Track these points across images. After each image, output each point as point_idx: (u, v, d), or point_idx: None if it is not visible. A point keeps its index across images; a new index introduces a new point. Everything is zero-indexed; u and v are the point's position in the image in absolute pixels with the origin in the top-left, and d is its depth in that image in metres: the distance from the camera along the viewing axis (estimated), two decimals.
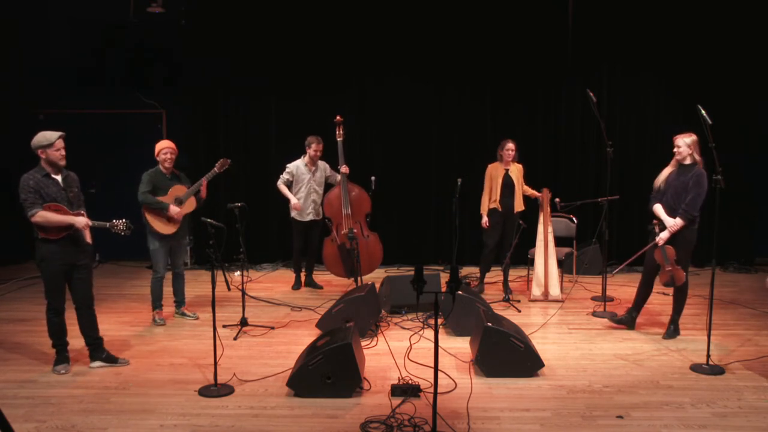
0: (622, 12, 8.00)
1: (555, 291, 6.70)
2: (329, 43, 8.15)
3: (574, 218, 7.44)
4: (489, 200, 6.79)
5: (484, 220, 6.81)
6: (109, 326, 5.60)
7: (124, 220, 4.71)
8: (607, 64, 8.20)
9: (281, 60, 8.20)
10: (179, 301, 6.15)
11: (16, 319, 6.13)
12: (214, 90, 8.33)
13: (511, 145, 6.71)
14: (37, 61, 8.27)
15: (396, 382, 4.38)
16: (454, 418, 3.96)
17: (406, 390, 4.28)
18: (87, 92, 8.45)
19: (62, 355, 4.79)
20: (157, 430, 3.85)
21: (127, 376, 4.68)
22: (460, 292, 5.09)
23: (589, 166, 8.29)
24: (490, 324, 4.65)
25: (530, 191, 6.90)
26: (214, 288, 4.59)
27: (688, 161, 5.27)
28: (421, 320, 5.86)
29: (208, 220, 4.89)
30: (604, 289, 6.48)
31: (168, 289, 6.05)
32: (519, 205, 6.82)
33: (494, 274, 7.41)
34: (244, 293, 5.93)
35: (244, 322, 5.73)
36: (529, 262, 7.11)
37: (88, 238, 4.76)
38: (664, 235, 5.29)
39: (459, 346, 5.20)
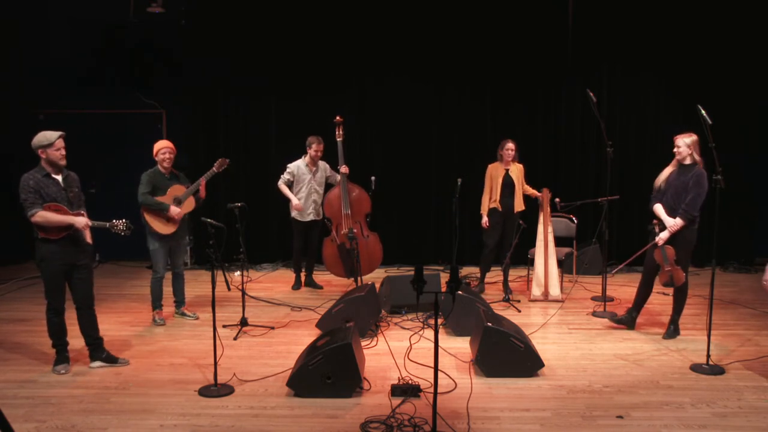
0: (622, 12, 8.00)
1: (555, 291, 6.70)
2: (329, 43, 8.15)
3: (574, 218, 7.44)
4: (489, 200, 6.80)
5: (484, 220, 6.81)
6: (109, 326, 5.60)
7: (124, 220, 4.71)
8: (607, 64, 8.21)
9: (281, 60, 8.20)
10: (179, 301, 6.15)
11: (16, 319, 6.13)
12: (214, 90, 8.33)
13: (510, 145, 6.72)
14: (37, 61, 8.26)
15: (396, 382, 4.38)
16: (454, 418, 3.96)
17: (406, 390, 4.28)
18: (87, 92, 8.45)
19: (62, 355, 4.79)
20: (157, 430, 3.85)
21: (127, 376, 4.68)
22: (460, 292, 5.09)
23: (589, 166, 8.29)
24: (490, 324, 4.65)
25: (531, 191, 6.90)
26: (214, 288, 4.59)
27: (688, 161, 5.27)
28: (421, 320, 5.86)
29: (208, 220, 4.89)
30: (604, 289, 6.48)
31: (168, 289, 6.05)
32: (519, 205, 6.82)
33: (494, 274, 7.41)
34: (244, 293, 5.93)
35: (244, 322, 5.73)
36: (529, 262, 7.11)
37: (89, 238, 4.76)
38: (663, 235, 5.30)
39: (459, 346, 5.20)
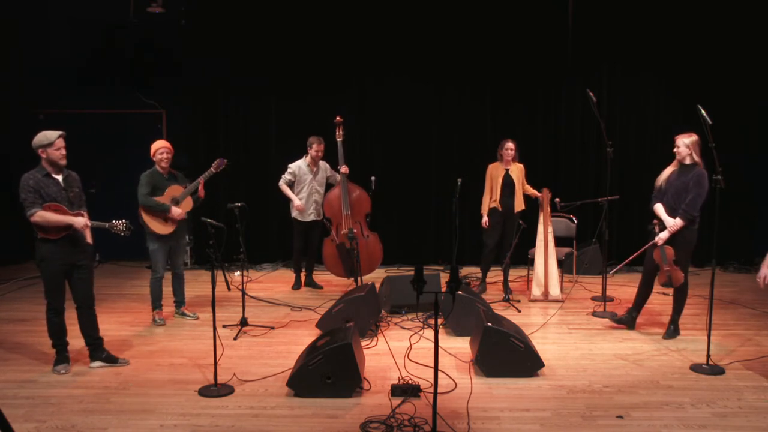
0: (622, 12, 8.00)
1: (555, 291, 6.70)
2: (329, 43, 8.15)
3: (574, 218, 7.44)
4: (489, 200, 6.80)
5: (485, 219, 6.82)
6: (109, 326, 5.60)
7: (123, 220, 4.70)
8: (607, 64, 8.20)
9: (281, 60, 8.20)
10: (179, 301, 6.15)
11: (16, 319, 6.13)
12: (214, 90, 8.34)
13: (510, 145, 6.72)
14: (37, 61, 8.26)
15: (396, 382, 4.38)
16: (454, 418, 3.96)
17: (406, 390, 4.28)
18: (87, 92, 8.45)
19: (62, 355, 4.79)
20: (157, 430, 3.85)
21: (127, 376, 4.68)
22: (460, 292, 5.09)
23: (589, 166, 8.29)
24: (490, 324, 4.65)
25: (531, 191, 6.90)
26: (214, 288, 4.59)
27: (688, 161, 5.27)
28: (421, 320, 5.86)
29: (208, 220, 4.89)
30: (604, 289, 6.48)
31: (168, 289, 6.05)
32: (519, 205, 6.82)
33: (494, 274, 7.41)
34: (244, 293, 5.93)
35: (244, 322, 5.73)
36: (529, 262, 7.11)
37: (89, 238, 4.77)
38: (663, 235, 5.30)
39: (459, 346, 5.20)
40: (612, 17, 8.03)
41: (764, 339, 5.48)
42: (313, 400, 4.21)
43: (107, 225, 4.66)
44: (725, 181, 4.70)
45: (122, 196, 6.89)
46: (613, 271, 6.68)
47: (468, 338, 5.20)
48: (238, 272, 7.39)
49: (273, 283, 7.62)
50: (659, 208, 5.40)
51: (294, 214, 7.05)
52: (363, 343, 5.03)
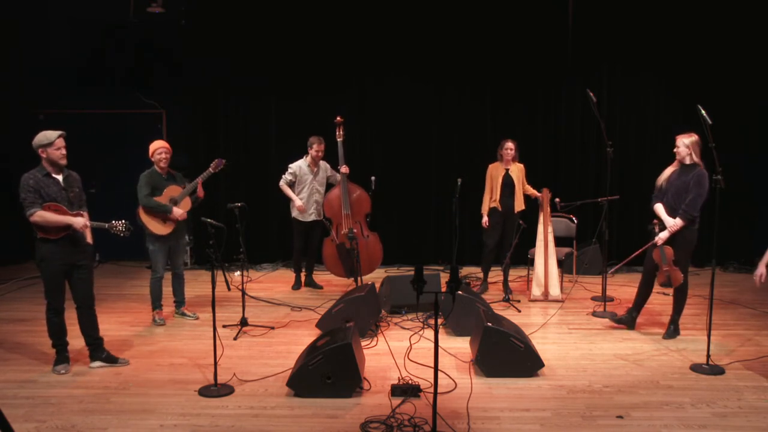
0: (622, 12, 8.00)
1: (555, 291, 6.70)
2: (329, 43, 8.15)
3: (574, 218, 7.44)
4: (489, 200, 6.80)
5: (485, 219, 6.82)
6: (109, 326, 5.60)
7: (123, 221, 4.70)
8: (607, 64, 8.20)
9: (281, 60, 8.20)
10: (179, 301, 6.15)
11: (16, 319, 6.13)
12: (214, 90, 8.33)
13: (510, 145, 6.72)
14: (37, 61, 8.26)
15: (396, 382, 4.38)
16: (454, 418, 3.96)
17: (406, 390, 4.28)
18: (87, 92, 8.45)
19: (62, 355, 4.79)
20: (157, 430, 3.85)
21: (127, 376, 4.68)
22: (460, 292, 5.09)
23: (589, 166, 8.29)
24: (490, 324, 4.65)
25: (531, 191, 6.90)
26: (214, 288, 4.59)
27: (688, 161, 5.27)
28: (421, 320, 5.86)
29: (208, 220, 4.89)
30: (604, 289, 6.48)
31: (168, 289, 6.05)
32: (519, 205, 6.82)
33: (494, 274, 7.41)
34: (244, 293, 5.93)
35: (244, 322, 5.73)
36: (529, 262, 7.11)
37: (89, 238, 4.77)
38: (663, 235, 5.30)
39: (459, 346, 5.20)
40: (612, 17, 8.03)
41: (764, 339, 5.49)
42: (313, 400, 4.21)
43: (107, 225, 4.66)
44: (725, 181, 4.70)
45: (122, 196, 6.89)
46: (612, 271, 6.68)
47: (468, 338, 5.20)
48: (238, 272, 7.39)
49: (273, 283, 7.62)
50: (659, 208, 5.40)
51: (294, 214, 7.04)
52: (363, 343, 5.04)
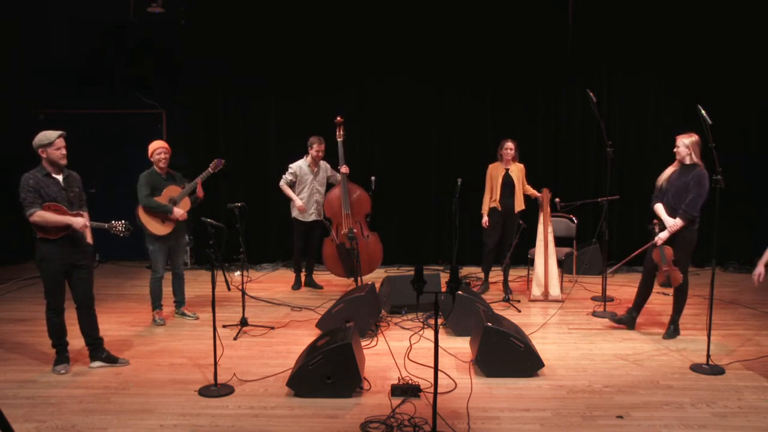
0: (622, 12, 8.00)
1: (555, 291, 6.70)
2: (329, 43, 8.15)
3: (574, 218, 7.44)
4: (489, 200, 6.80)
5: (485, 219, 6.82)
6: (109, 326, 5.60)
7: (123, 221, 4.70)
8: (607, 64, 8.20)
9: (281, 60, 8.20)
10: (179, 301, 6.15)
11: (16, 319, 6.13)
12: (214, 90, 8.33)
13: (510, 145, 6.72)
14: (37, 61, 8.26)
15: (396, 382, 4.38)
16: (454, 418, 3.96)
17: (406, 390, 4.28)
18: (87, 92, 8.45)
19: (62, 355, 4.79)
20: (157, 430, 3.85)
21: (127, 376, 4.68)
22: (460, 292, 5.09)
23: (589, 166, 8.29)
24: (490, 324, 4.65)
25: (531, 191, 6.90)
26: (214, 288, 4.59)
27: (688, 161, 5.27)
28: (421, 320, 5.86)
29: (208, 220, 4.89)
30: (604, 289, 6.48)
31: (168, 289, 6.05)
32: (519, 205, 6.83)
33: (494, 274, 7.41)
34: (244, 293, 5.93)
35: (244, 322, 5.73)
36: (529, 262, 7.11)
37: (89, 239, 4.77)
38: (663, 235, 5.30)
39: (459, 346, 5.20)
40: (612, 17, 8.03)
41: (764, 339, 5.49)
42: (313, 400, 4.21)
43: (107, 226, 4.66)
44: (725, 181, 4.70)
45: (122, 196, 6.89)
46: (611, 270, 6.68)
47: (468, 338, 5.20)
48: (238, 272, 7.39)
49: (273, 283, 7.62)
50: (659, 208, 5.40)
51: (294, 214, 7.04)
52: (363, 343, 5.04)
